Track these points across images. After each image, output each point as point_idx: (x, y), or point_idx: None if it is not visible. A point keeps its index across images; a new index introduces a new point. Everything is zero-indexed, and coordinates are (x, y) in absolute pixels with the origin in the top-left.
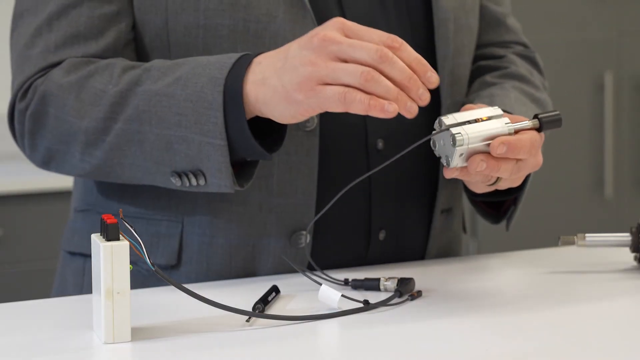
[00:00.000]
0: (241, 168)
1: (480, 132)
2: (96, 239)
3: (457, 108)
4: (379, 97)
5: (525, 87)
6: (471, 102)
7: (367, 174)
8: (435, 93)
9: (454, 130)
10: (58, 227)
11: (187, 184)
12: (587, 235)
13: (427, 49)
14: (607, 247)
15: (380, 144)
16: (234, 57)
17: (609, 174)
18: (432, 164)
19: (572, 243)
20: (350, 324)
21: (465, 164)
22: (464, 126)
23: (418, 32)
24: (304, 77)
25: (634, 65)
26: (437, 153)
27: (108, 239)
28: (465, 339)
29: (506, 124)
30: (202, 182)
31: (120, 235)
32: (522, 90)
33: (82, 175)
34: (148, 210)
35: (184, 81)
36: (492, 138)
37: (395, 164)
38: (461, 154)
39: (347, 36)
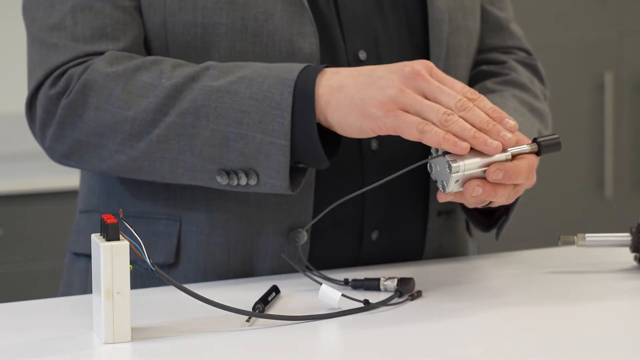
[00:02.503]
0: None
1: (476, 160)
2: (96, 239)
3: None
4: (457, 135)
5: (524, 96)
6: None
7: (371, 187)
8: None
9: (449, 157)
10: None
11: (235, 183)
12: (587, 235)
13: (424, 49)
14: (607, 247)
15: (374, 145)
16: (301, 64)
17: (609, 174)
18: (425, 167)
19: (572, 243)
20: (350, 324)
21: (461, 189)
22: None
23: (414, 32)
24: (389, 97)
25: (634, 65)
26: (433, 177)
27: (108, 239)
28: (465, 339)
29: (503, 150)
30: (252, 181)
31: (120, 235)
32: (522, 99)
33: (109, 169)
34: (147, 210)
35: (248, 80)
36: (489, 164)
37: (388, 166)
38: (457, 180)
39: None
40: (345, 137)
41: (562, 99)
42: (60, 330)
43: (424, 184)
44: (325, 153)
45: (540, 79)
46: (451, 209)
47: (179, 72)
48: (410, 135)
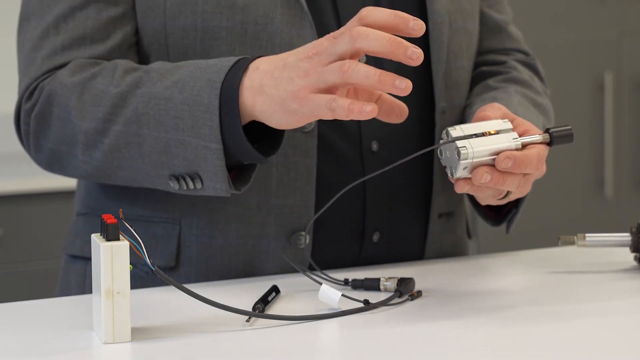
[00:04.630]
0: (240, 171)
1: (486, 147)
2: (96, 239)
3: (456, 112)
4: (361, 85)
5: (527, 92)
6: (474, 105)
7: (366, 177)
8: (429, 96)
9: (459, 143)
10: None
11: (185, 187)
12: (587, 235)
13: (424, 52)
14: (607, 247)
15: (374, 146)
16: (231, 60)
17: (609, 174)
18: (427, 168)
19: (572, 243)
20: (350, 324)
21: (469, 176)
22: (470, 140)
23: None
24: (298, 86)
25: (634, 65)
26: (442, 162)
27: (108, 239)
28: (465, 338)
29: (514, 139)
30: (199, 185)
31: (120, 235)
32: (525, 95)
33: (85, 177)
34: (146, 212)
35: (182, 84)
36: (498, 153)
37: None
38: (465, 167)
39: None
40: (343, 139)
41: (562, 99)
42: (60, 330)
43: (425, 186)
44: (271, 145)
45: (540, 78)
46: (452, 210)
47: (128, 77)
48: (325, 115)
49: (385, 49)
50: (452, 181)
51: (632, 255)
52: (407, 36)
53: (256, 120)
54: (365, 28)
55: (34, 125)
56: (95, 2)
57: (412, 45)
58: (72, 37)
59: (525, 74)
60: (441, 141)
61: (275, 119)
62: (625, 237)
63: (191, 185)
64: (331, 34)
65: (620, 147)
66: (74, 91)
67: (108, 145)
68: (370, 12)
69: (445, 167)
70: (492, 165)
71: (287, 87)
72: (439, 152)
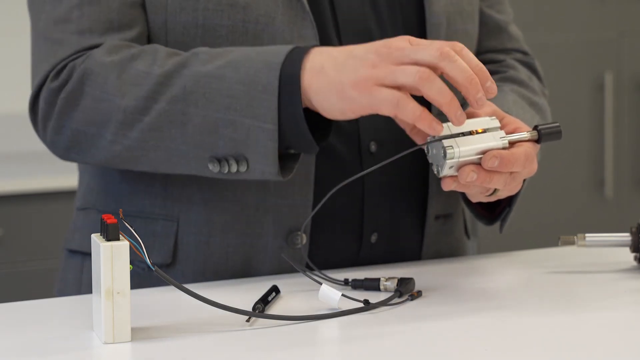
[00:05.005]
0: (281, 160)
1: (472, 146)
2: (96, 239)
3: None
4: (432, 98)
5: (523, 91)
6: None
7: (359, 175)
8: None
9: (445, 142)
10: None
11: (226, 170)
12: (587, 235)
13: None
14: (607, 247)
15: (373, 147)
16: (289, 46)
17: (609, 174)
18: (423, 170)
19: (572, 243)
20: (350, 324)
21: (455, 174)
22: (457, 138)
23: (411, 35)
24: (363, 76)
25: (634, 65)
26: (429, 159)
27: (108, 239)
28: (465, 339)
29: (501, 137)
30: (243, 168)
31: (120, 235)
32: (521, 94)
33: (107, 159)
34: (145, 209)
35: (235, 64)
36: (485, 152)
37: (387, 168)
38: (451, 166)
39: (412, 44)
40: (342, 139)
41: (562, 99)
42: (60, 330)
43: (423, 187)
44: (316, 138)
45: (539, 77)
46: (449, 212)
47: (171, 60)
48: (387, 111)
49: (465, 82)
50: (443, 186)
51: (632, 255)
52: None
53: (309, 104)
54: (455, 54)
55: (62, 104)
56: None
57: (483, 92)
58: (100, 21)
59: (523, 73)
60: (428, 139)
61: (329, 103)
62: (625, 237)
63: (234, 168)
64: (407, 37)
65: (620, 147)
66: (113, 70)
67: (148, 123)
68: (463, 52)
69: (431, 164)
70: (478, 163)
71: (351, 74)
72: (426, 149)
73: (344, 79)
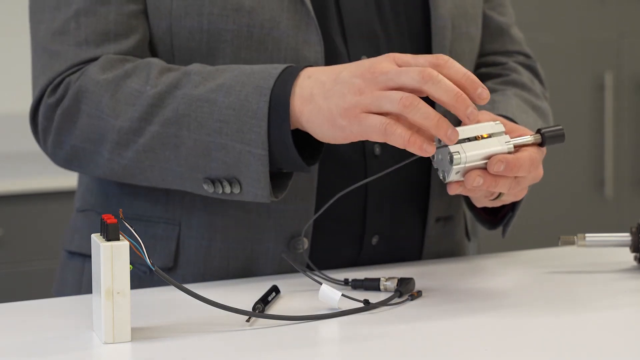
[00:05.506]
0: (274, 178)
1: (478, 151)
2: (96, 239)
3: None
4: (418, 124)
5: (526, 95)
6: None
7: (364, 181)
8: (430, 100)
9: (452, 148)
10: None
11: (220, 191)
12: (587, 235)
13: None
14: (607, 247)
15: (377, 150)
16: (279, 67)
17: (609, 174)
18: (425, 173)
19: (572, 243)
20: (350, 324)
21: (462, 179)
22: (462, 144)
23: (416, 39)
24: (350, 104)
25: (634, 65)
26: (435, 165)
27: (108, 239)
28: (465, 339)
29: (506, 142)
30: (236, 190)
31: (120, 235)
32: (523, 98)
33: (106, 175)
34: (146, 212)
35: (226, 88)
36: (491, 156)
37: (391, 171)
38: (457, 172)
39: (398, 65)
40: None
41: (562, 99)
42: (60, 330)
43: (424, 190)
44: (310, 155)
45: (540, 81)
46: (450, 214)
47: (164, 78)
48: (377, 138)
49: (451, 101)
50: (449, 190)
51: (632, 255)
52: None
53: (301, 129)
54: (437, 73)
55: (59, 120)
56: None
57: (473, 105)
58: (96, 32)
59: (525, 76)
60: (434, 144)
61: (321, 132)
62: (625, 237)
63: (228, 190)
64: (392, 56)
65: (620, 147)
66: (107, 89)
67: (142, 145)
68: (447, 63)
69: (437, 169)
70: (484, 168)
71: (339, 101)
72: (431, 155)
73: (333, 107)
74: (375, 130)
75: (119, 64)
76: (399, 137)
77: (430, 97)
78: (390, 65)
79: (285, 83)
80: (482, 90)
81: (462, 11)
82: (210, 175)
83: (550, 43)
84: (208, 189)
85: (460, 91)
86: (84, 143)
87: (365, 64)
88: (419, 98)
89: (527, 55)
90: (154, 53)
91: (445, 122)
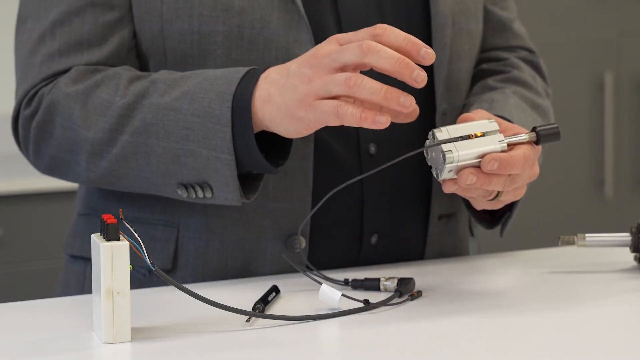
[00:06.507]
0: (247, 180)
1: (471, 150)
2: (96, 239)
3: (456, 113)
4: (366, 100)
5: (526, 93)
6: (471, 105)
7: (358, 178)
8: (430, 98)
9: (445, 147)
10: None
11: (194, 196)
12: (587, 235)
13: None
14: (607, 247)
15: (372, 149)
16: (241, 71)
17: (609, 174)
18: (425, 170)
19: (572, 243)
20: (350, 324)
21: (455, 177)
22: (455, 143)
23: (416, 36)
24: (302, 94)
25: (634, 65)
26: (428, 162)
27: (108, 239)
28: (465, 338)
29: (500, 141)
30: (208, 194)
31: (120, 235)
32: (523, 96)
33: (87, 183)
34: (145, 215)
35: (191, 96)
36: (484, 155)
37: (388, 169)
38: (450, 170)
39: (340, 45)
40: (341, 142)
41: (562, 99)
42: (60, 330)
43: (425, 187)
44: (281, 155)
45: (543, 77)
46: (452, 212)
47: (132, 87)
48: (332, 121)
49: (394, 68)
50: (444, 189)
51: (632, 255)
52: (415, 62)
53: (267, 130)
54: (376, 44)
55: (35, 133)
56: (91, 7)
57: (419, 67)
58: (69, 43)
59: (527, 72)
60: (427, 143)
61: (284, 128)
62: (625, 237)
63: (200, 194)
64: (335, 37)
65: (620, 147)
66: (77, 100)
67: (115, 155)
68: (386, 31)
69: (431, 167)
70: (478, 166)
71: (292, 95)
72: (425, 153)
73: (288, 101)
74: (329, 115)
75: (89, 75)
76: (351, 117)
77: (374, 69)
78: (332, 46)
79: (247, 87)
80: (426, 50)
81: (462, 7)
82: (182, 181)
83: (550, 42)
84: (182, 194)
85: (402, 56)
86: (61, 153)
87: (310, 51)
88: (362, 75)
89: (530, 50)
90: (145, 56)
91: (394, 92)
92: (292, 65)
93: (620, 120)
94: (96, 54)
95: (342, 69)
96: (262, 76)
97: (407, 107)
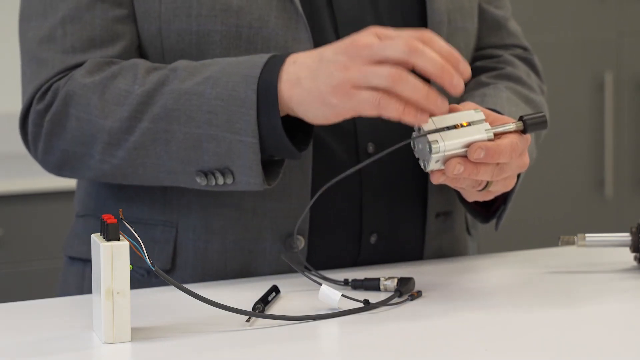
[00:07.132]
0: (266, 167)
1: (457, 140)
2: (96, 239)
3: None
4: (407, 98)
5: (519, 88)
6: (464, 101)
7: (350, 171)
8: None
9: (430, 137)
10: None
11: (213, 183)
12: (587, 235)
13: None
14: (607, 247)
15: (371, 148)
16: (264, 56)
17: (609, 174)
18: (421, 168)
19: (572, 243)
20: (350, 324)
21: (442, 167)
22: (441, 133)
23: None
24: (339, 81)
25: (634, 65)
26: (415, 154)
27: (108, 239)
28: (465, 339)
29: (486, 130)
30: (229, 180)
31: (120, 235)
32: (516, 91)
33: (97, 177)
34: (144, 215)
35: (214, 80)
36: (471, 144)
37: (385, 168)
38: (437, 160)
39: (379, 39)
40: (339, 141)
41: (562, 99)
42: (60, 330)
43: (422, 186)
44: (300, 141)
45: (537, 74)
46: (449, 210)
47: (151, 76)
48: (370, 112)
49: (437, 72)
50: (432, 179)
51: (632, 255)
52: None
53: (291, 114)
54: (424, 46)
55: (49, 126)
56: (101, 2)
57: (458, 75)
58: (82, 39)
59: (521, 69)
60: (413, 134)
61: (312, 113)
62: (625, 237)
63: (221, 181)
64: (374, 30)
65: (620, 147)
66: (95, 91)
67: (133, 142)
68: (434, 39)
69: (418, 159)
70: (465, 156)
71: (327, 80)
72: (412, 144)
73: (321, 86)
74: (369, 105)
75: (105, 66)
76: (393, 109)
77: (415, 69)
78: (372, 38)
79: (272, 70)
80: (464, 66)
81: (457, 5)
82: (202, 168)
83: (550, 42)
84: (201, 181)
85: (446, 62)
86: (75, 146)
87: (347, 40)
88: (407, 71)
89: (524, 48)
90: (144, 56)
91: (434, 93)
92: (326, 51)
93: (620, 120)
94: (110, 50)
95: (381, 62)
96: (289, 60)
97: (442, 110)
